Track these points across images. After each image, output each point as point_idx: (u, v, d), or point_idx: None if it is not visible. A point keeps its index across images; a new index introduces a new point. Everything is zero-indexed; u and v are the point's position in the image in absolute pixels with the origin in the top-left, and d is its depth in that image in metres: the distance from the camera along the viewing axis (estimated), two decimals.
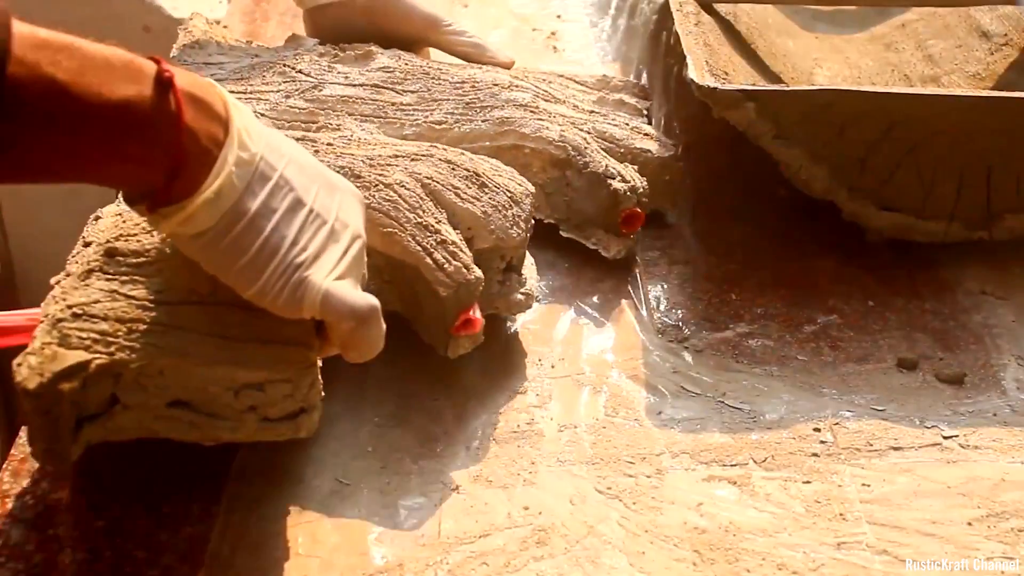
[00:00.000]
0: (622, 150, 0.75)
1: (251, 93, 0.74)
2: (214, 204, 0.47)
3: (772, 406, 0.64)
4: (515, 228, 0.64)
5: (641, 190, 0.73)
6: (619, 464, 0.60)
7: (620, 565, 0.54)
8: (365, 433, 0.61)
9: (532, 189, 0.67)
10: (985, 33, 0.91)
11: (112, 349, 0.50)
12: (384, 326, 0.53)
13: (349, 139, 0.68)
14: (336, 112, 0.73)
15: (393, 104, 0.74)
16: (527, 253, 0.68)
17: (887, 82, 0.91)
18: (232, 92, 0.54)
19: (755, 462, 0.60)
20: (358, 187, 0.57)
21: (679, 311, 0.71)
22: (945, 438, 0.62)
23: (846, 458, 0.60)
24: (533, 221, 0.67)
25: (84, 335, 0.50)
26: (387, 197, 0.62)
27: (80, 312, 0.51)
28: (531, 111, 0.75)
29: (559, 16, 1.06)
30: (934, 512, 0.57)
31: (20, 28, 0.41)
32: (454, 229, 0.62)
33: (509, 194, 0.65)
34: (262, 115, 0.72)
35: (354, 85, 0.76)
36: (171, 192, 0.47)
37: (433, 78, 0.77)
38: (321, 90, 0.75)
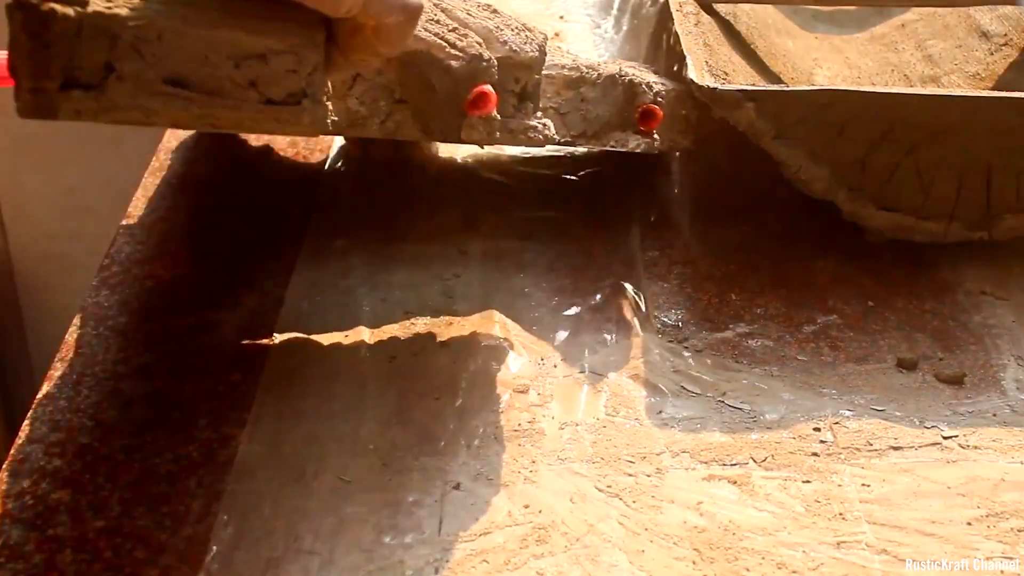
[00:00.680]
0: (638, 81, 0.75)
1: None
2: None
3: (772, 406, 0.64)
4: (529, 46, 0.64)
5: (657, 88, 0.72)
6: (619, 463, 0.60)
7: (620, 563, 0.54)
8: (366, 431, 0.61)
9: (547, 34, 0.66)
10: (985, 33, 0.91)
11: (111, 4, 0.48)
12: None
13: None
14: None
15: None
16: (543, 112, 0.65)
17: (887, 82, 0.91)
18: None
19: (755, 461, 0.60)
20: None
21: (679, 311, 0.71)
22: (945, 438, 0.62)
23: (846, 458, 0.61)
24: (547, 59, 0.66)
25: None
26: None
27: None
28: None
29: (561, 17, 1.06)
30: (934, 512, 0.57)
31: None
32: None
33: (523, 24, 0.65)
34: None
35: None
36: None
37: None
38: None
